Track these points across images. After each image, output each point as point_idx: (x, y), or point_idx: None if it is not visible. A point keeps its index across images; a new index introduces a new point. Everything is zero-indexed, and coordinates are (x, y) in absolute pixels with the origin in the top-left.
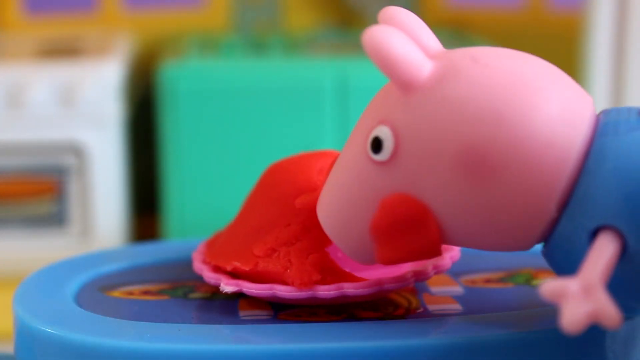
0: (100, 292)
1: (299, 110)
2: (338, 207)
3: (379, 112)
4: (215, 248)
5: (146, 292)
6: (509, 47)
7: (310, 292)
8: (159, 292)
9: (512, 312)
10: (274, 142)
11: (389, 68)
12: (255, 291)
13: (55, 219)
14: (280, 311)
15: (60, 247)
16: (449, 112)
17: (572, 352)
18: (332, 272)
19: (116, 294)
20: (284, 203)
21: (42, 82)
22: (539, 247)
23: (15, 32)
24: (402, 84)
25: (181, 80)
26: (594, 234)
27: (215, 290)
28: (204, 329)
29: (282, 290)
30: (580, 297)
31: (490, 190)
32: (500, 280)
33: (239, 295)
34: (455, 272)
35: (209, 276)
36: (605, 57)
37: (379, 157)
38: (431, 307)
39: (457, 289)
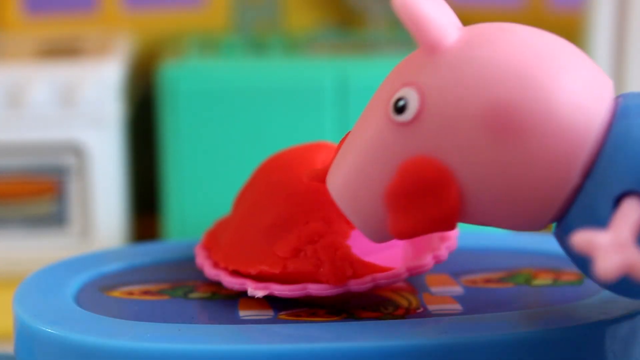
0: (100, 292)
1: (299, 110)
2: (352, 175)
3: (401, 77)
4: (226, 250)
5: (146, 292)
6: None
7: (343, 287)
8: (159, 292)
9: (512, 312)
10: (274, 142)
11: (418, 28)
12: (288, 292)
13: (55, 219)
14: (280, 311)
15: (60, 247)
16: (476, 72)
17: (572, 352)
18: (359, 265)
19: (116, 294)
20: (297, 201)
21: (42, 82)
22: (538, 247)
23: (15, 32)
24: (430, 44)
25: (181, 80)
26: (617, 202)
27: (215, 290)
28: (204, 329)
29: (315, 289)
30: (612, 250)
31: (514, 153)
32: (500, 280)
33: (238, 295)
34: (455, 272)
35: (231, 282)
36: (605, 57)
37: (401, 118)
38: (431, 307)
39: (457, 289)
